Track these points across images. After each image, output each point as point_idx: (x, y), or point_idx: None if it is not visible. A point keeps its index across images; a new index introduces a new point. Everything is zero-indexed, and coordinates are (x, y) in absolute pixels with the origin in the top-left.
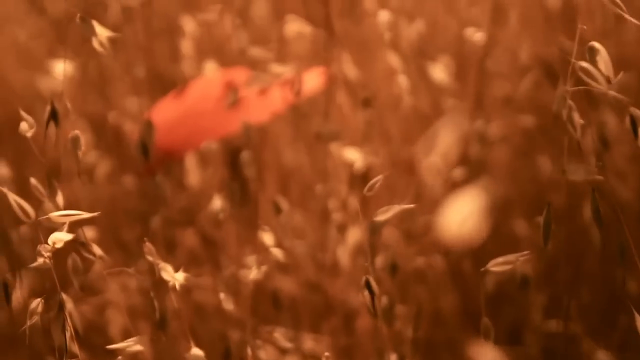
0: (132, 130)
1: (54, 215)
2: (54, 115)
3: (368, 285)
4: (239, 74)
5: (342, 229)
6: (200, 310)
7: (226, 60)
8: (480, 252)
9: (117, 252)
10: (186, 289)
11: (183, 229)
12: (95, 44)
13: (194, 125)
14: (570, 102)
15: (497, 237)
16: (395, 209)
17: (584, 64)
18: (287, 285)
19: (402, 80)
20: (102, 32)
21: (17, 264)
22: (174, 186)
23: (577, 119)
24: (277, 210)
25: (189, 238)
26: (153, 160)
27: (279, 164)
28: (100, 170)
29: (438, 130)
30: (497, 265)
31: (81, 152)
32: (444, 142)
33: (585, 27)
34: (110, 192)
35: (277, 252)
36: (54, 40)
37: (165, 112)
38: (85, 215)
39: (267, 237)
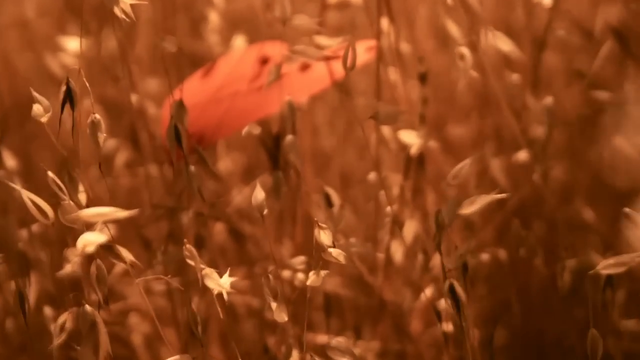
0: (156, 114)
1: (85, 213)
2: (69, 96)
3: (452, 290)
4: (274, 49)
5: (396, 222)
6: (239, 316)
7: (257, 34)
8: (550, 244)
9: (137, 251)
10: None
11: (215, 224)
12: (117, 12)
13: (226, 107)
14: None
15: (563, 225)
16: (485, 199)
17: None
18: (334, 286)
19: (464, 53)
20: None
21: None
22: (206, 177)
23: None
24: (328, 203)
25: (220, 234)
26: (185, 146)
27: (321, 150)
28: (119, 161)
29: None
30: (609, 267)
31: (102, 139)
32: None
33: None
34: (131, 184)
35: (337, 254)
36: (64, 15)
37: (193, 93)
38: (122, 213)
39: (324, 236)
